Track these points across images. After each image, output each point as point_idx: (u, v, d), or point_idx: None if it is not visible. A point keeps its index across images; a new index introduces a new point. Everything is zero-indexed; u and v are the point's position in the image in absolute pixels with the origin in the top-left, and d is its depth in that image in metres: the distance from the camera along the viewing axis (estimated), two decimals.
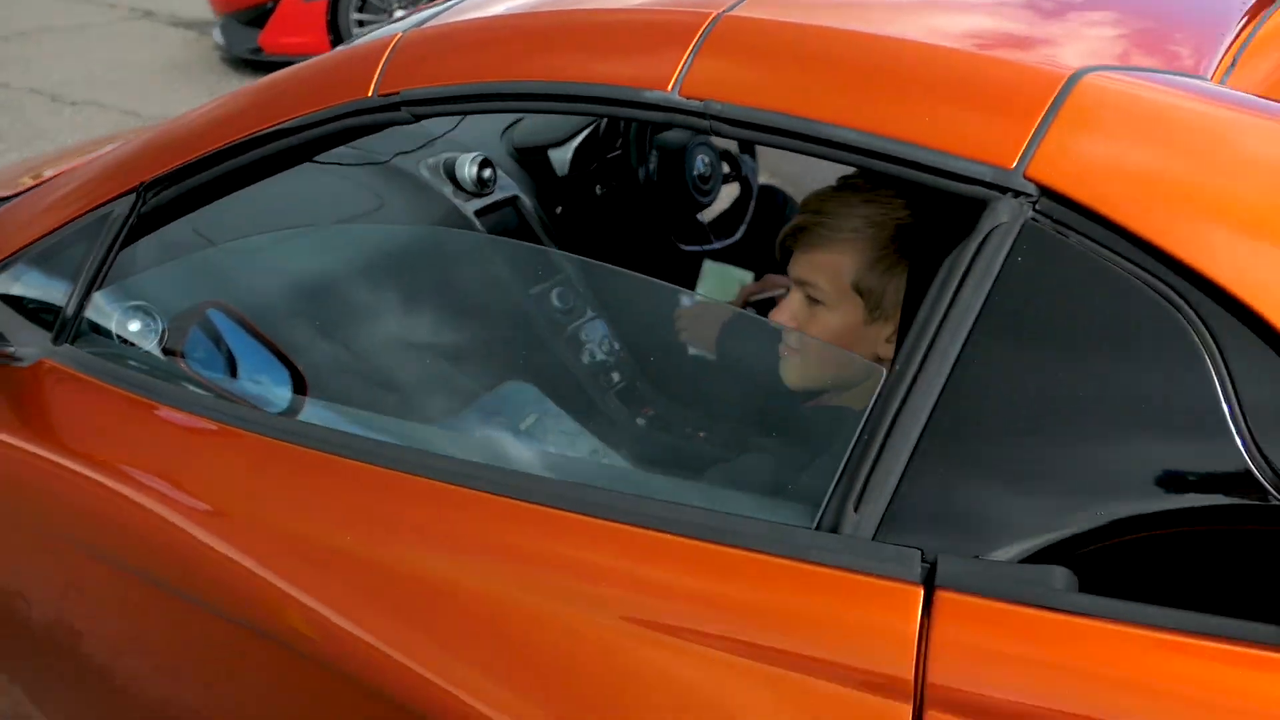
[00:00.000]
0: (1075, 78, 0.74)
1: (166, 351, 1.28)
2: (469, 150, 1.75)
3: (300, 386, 1.28)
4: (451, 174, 1.74)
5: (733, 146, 2.02)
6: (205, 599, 1.02)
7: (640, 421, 1.62)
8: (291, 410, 1.25)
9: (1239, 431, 0.65)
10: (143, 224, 1.21)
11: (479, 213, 1.77)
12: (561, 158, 1.89)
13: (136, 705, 1.21)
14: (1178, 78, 0.78)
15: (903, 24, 0.87)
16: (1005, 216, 0.72)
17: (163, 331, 1.30)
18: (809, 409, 1.08)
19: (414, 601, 0.85)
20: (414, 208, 1.70)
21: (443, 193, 1.75)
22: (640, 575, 0.78)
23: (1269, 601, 0.62)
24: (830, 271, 1.06)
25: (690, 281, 1.65)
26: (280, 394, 1.28)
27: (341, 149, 1.36)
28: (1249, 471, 0.64)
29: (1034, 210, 0.72)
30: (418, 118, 1.01)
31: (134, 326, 1.29)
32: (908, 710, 0.66)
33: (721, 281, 1.63)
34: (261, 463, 1.05)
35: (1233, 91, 0.79)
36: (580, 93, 0.90)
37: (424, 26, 1.04)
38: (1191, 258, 0.66)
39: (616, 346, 1.69)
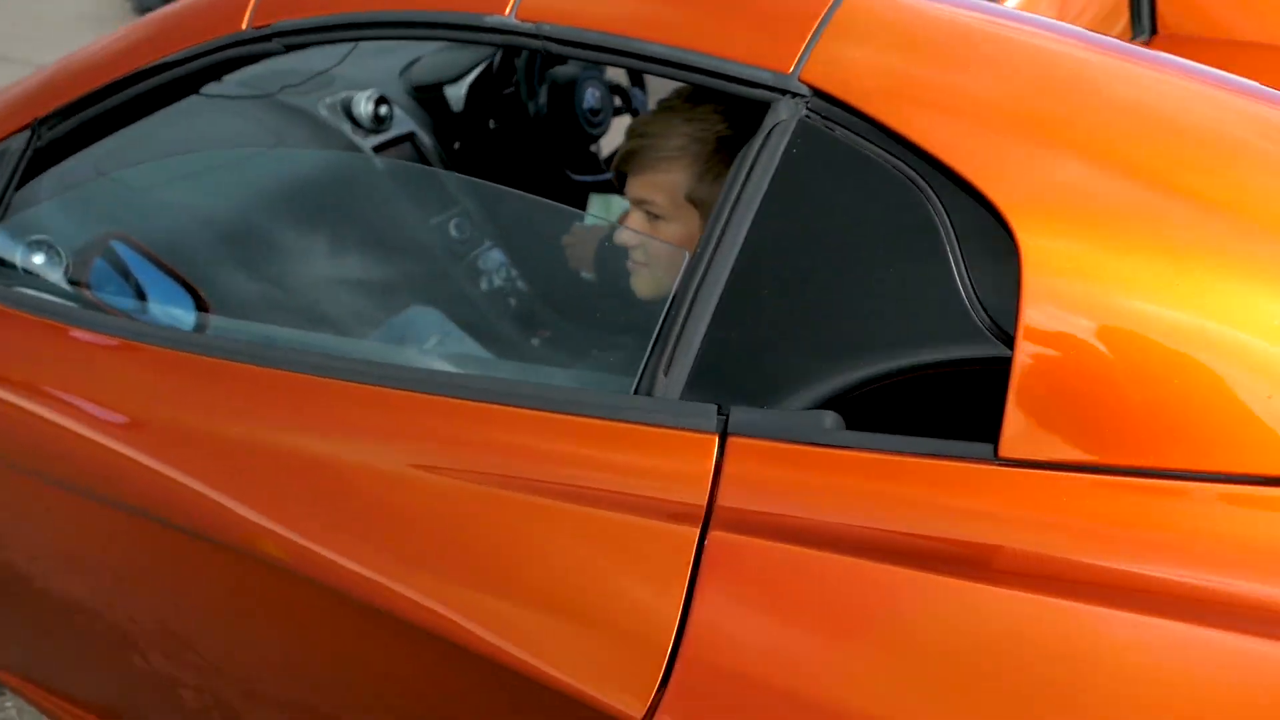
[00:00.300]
0: None
1: (72, 282, 1.36)
2: (367, 89, 1.84)
3: (202, 309, 1.37)
4: (349, 111, 1.82)
5: (624, 80, 2.12)
6: (122, 500, 1.11)
7: (535, 343, 1.72)
8: (196, 328, 1.34)
9: (965, 289, 0.77)
10: (39, 159, 1.28)
11: (376, 149, 1.85)
12: (456, 94, 1.97)
13: (60, 606, 1.31)
14: None
15: None
16: (784, 115, 0.84)
17: (67, 264, 1.38)
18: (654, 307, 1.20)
19: (284, 476, 0.96)
20: (312, 145, 1.78)
21: (341, 130, 1.82)
22: (485, 439, 0.89)
23: (987, 425, 0.75)
24: (664, 188, 1.17)
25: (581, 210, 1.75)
26: (182, 317, 1.37)
27: (239, 88, 1.44)
28: (974, 322, 0.77)
29: (807, 109, 0.84)
30: (289, 48, 1.10)
31: (38, 260, 1.37)
32: (696, 531, 0.78)
33: (606, 209, 1.74)
34: (165, 372, 1.14)
35: (987, 4, 0.91)
36: (430, 19, 1.00)
37: None
38: (929, 144, 0.79)
39: (514, 273, 1.79)
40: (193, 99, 1.35)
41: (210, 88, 1.30)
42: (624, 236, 1.23)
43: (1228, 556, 0.68)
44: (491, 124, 1.98)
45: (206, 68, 1.14)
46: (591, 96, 2.01)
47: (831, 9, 0.85)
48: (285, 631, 1.07)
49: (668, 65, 0.89)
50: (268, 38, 1.09)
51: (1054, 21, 0.85)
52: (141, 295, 1.38)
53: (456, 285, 1.76)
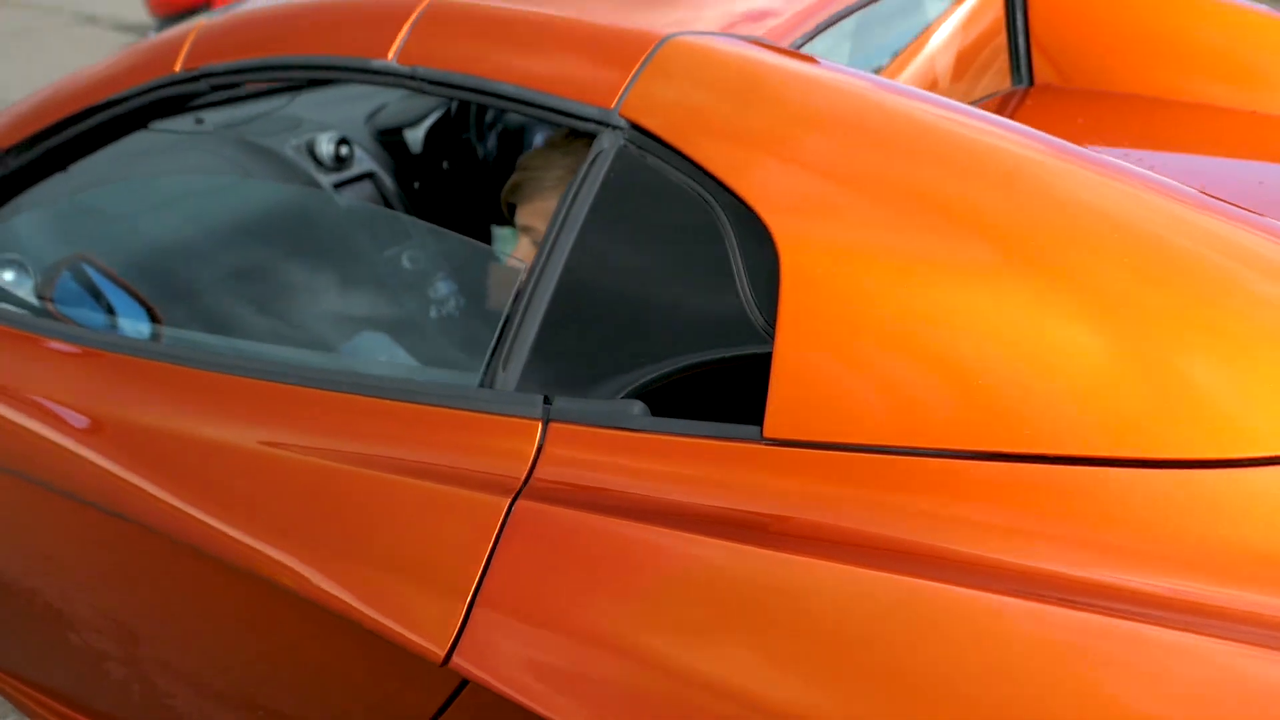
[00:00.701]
0: (665, 40, 0.99)
1: (39, 296, 1.51)
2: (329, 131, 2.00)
3: (155, 320, 1.52)
4: (312, 151, 1.98)
5: None
6: (76, 492, 1.24)
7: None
8: (148, 338, 1.48)
9: (744, 293, 0.90)
10: (4, 186, 1.44)
11: (338, 186, 2.01)
12: (415, 137, 2.13)
13: (31, 596, 1.43)
14: (744, 41, 1.03)
15: (556, 6, 1.12)
16: (606, 144, 0.97)
17: (35, 280, 1.53)
18: None
19: (198, 464, 1.09)
20: (274, 180, 1.94)
21: (304, 168, 1.98)
22: (343, 425, 1.02)
23: (757, 408, 0.86)
24: (544, 215, 1.30)
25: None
26: (136, 327, 1.51)
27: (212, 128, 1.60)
28: (751, 322, 0.89)
29: (625, 140, 0.97)
30: (214, 88, 1.25)
31: (8, 275, 1.52)
32: (508, 500, 0.90)
33: (506, 243, 1.89)
34: (120, 376, 1.27)
35: (786, 51, 1.05)
36: (327, 63, 1.15)
37: (219, 18, 1.27)
38: (715, 169, 0.91)
39: (462, 302, 1.93)
40: (166, 137, 1.51)
41: (164, 124, 1.46)
42: (510, 262, 1.36)
43: (942, 519, 0.78)
44: (445, 165, 2.14)
45: (145, 105, 1.30)
46: (541, 140, 2.16)
47: (652, 53, 0.98)
48: (197, 600, 1.19)
49: (515, 102, 1.03)
50: (196, 79, 1.24)
51: (843, 68, 0.98)
52: (103, 308, 1.53)
53: (407, 312, 1.89)
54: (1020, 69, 1.62)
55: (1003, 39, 1.62)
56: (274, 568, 0.99)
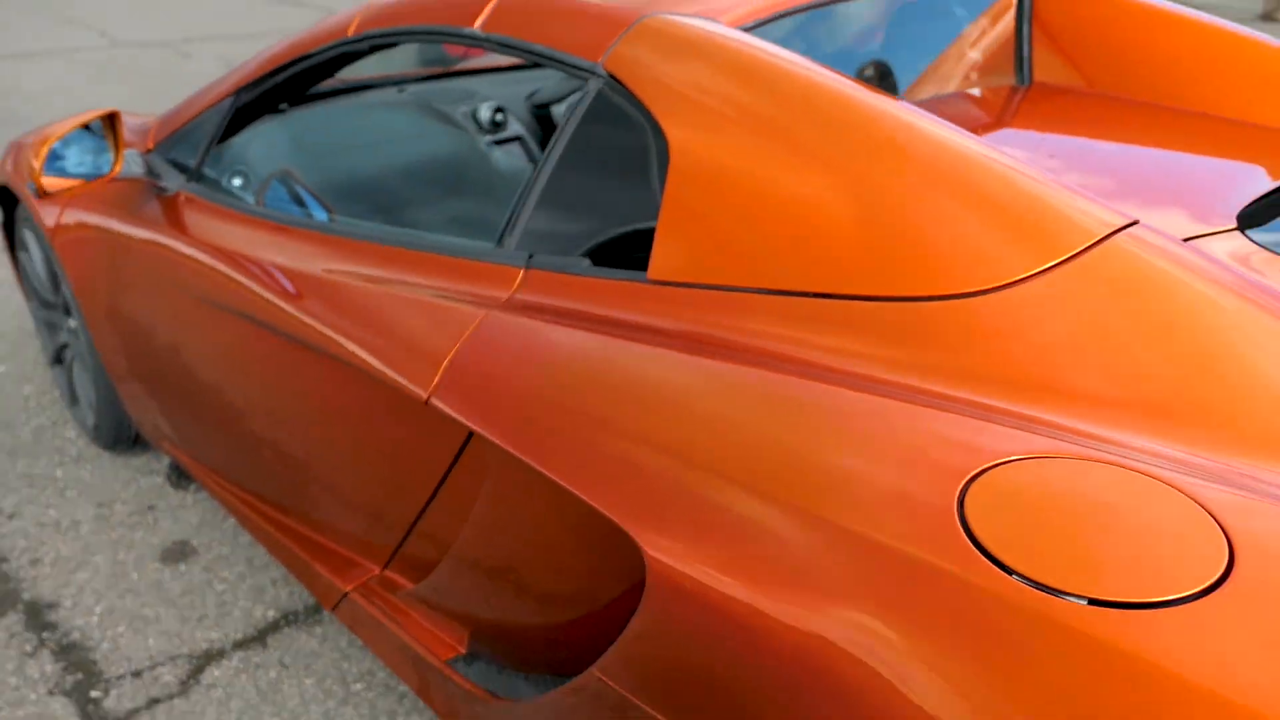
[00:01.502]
0: (642, 17, 1.42)
1: (255, 196, 2.11)
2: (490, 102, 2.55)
3: (329, 211, 2.09)
4: (475, 116, 2.53)
5: None
6: (253, 314, 1.79)
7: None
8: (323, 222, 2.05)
9: (654, 184, 1.31)
10: (239, 115, 2.04)
11: (492, 144, 2.55)
12: (559, 110, 2.64)
13: (228, 401, 2.01)
14: (698, 23, 1.43)
15: None
16: (591, 87, 1.41)
17: (254, 185, 2.13)
18: None
19: (339, 295, 1.61)
20: (440, 134, 2.50)
21: (467, 128, 2.53)
22: (412, 267, 1.51)
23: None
24: None
25: None
26: (316, 216, 2.08)
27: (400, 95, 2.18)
28: (657, 202, 1.31)
29: (604, 85, 1.40)
30: (372, 48, 1.79)
31: (236, 182, 2.13)
32: (493, 309, 1.36)
33: None
34: (301, 244, 1.82)
35: (729, 34, 1.44)
36: (435, 30, 1.65)
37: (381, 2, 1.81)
38: (650, 105, 1.33)
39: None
40: (371, 96, 2.10)
41: (373, 93, 2.04)
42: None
43: (768, 335, 1.16)
44: None
45: (327, 60, 1.85)
46: None
47: (630, 26, 1.42)
48: (322, 394, 1.72)
49: (523, 52, 1.49)
50: (360, 40, 1.78)
51: (765, 45, 1.37)
52: (295, 204, 2.11)
53: (483, 213, 2.38)
54: (1023, 68, 1.92)
55: (1011, 45, 1.93)
56: (334, 347, 1.50)
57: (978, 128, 1.63)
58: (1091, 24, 1.88)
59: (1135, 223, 1.06)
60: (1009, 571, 0.82)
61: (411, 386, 1.35)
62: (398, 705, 1.89)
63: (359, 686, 1.94)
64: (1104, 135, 1.64)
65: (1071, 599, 0.78)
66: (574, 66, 1.46)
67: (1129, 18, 1.85)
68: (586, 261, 1.36)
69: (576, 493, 1.12)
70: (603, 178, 1.40)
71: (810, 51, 1.59)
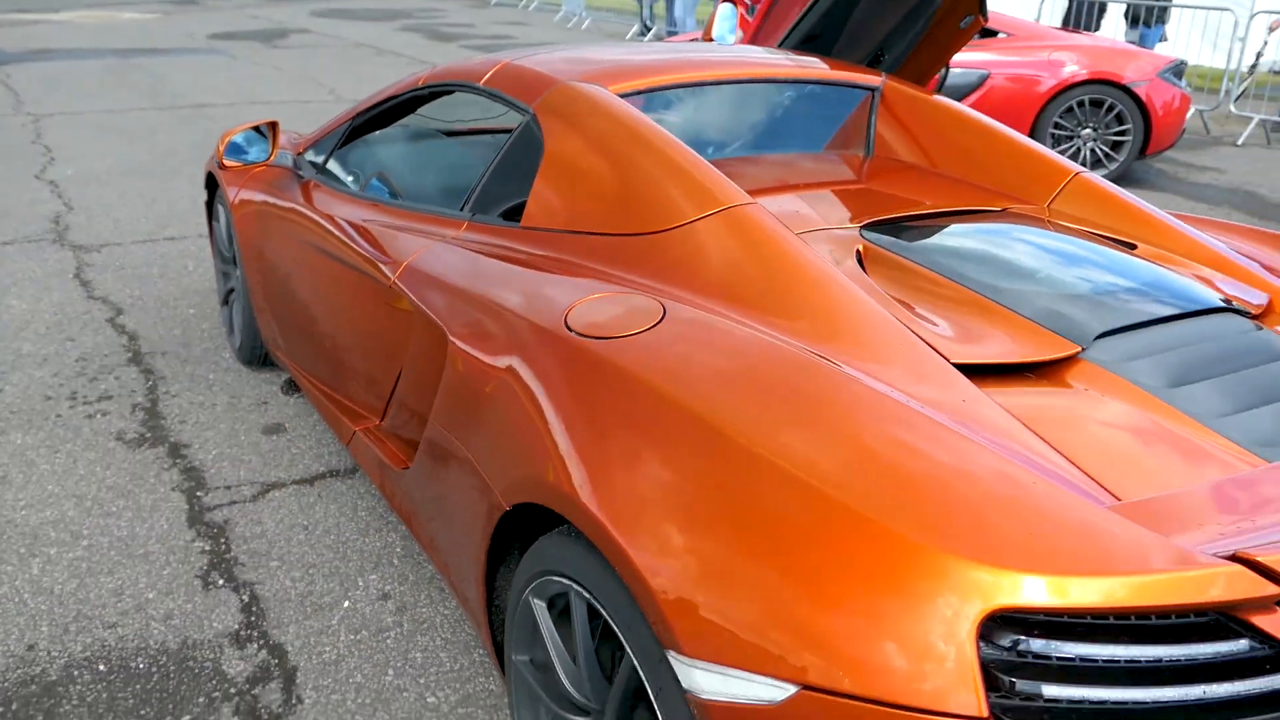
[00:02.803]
0: (558, 84, 2.34)
1: (360, 187, 3.14)
2: None
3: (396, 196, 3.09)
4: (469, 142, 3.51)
5: None
6: (335, 253, 2.78)
7: None
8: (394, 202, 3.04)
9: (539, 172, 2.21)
10: (352, 134, 3.09)
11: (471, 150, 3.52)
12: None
13: (306, 312, 3.01)
14: (597, 89, 2.33)
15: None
16: (524, 121, 2.34)
17: (360, 181, 3.16)
18: None
19: (376, 235, 2.58)
20: (453, 152, 3.48)
21: (466, 146, 3.51)
22: (410, 224, 2.46)
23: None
24: None
25: None
26: (393, 198, 3.08)
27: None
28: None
29: (529, 120, 2.32)
30: (431, 95, 2.78)
31: (349, 179, 3.17)
32: (443, 240, 2.28)
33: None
34: (380, 213, 2.80)
35: (614, 100, 2.34)
36: (449, 85, 2.63)
37: (440, 65, 2.79)
38: (545, 131, 2.24)
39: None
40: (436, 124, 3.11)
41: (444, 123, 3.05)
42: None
43: (581, 260, 2.04)
44: None
45: (403, 101, 2.86)
46: None
47: (552, 88, 2.34)
48: (369, 312, 2.67)
49: (499, 99, 2.43)
50: (423, 89, 2.78)
51: (625, 107, 2.26)
52: (385, 192, 3.12)
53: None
54: (869, 144, 2.72)
55: (863, 124, 2.74)
56: (380, 274, 2.45)
57: (800, 177, 2.45)
58: (915, 117, 2.67)
59: (753, 203, 1.87)
60: (581, 335, 1.65)
61: (388, 274, 2.29)
62: (385, 516, 2.79)
63: (364, 514, 2.85)
64: (860, 178, 2.43)
65: (592, 340, 1.62)
66: (520, 109, 2.38)
67: (935, 113, 2.63)
68: (498, 217, 2.27)
69: (455, 341, 2.00)
70: (514, 173, 2.31)
71: (692, 116, 2.48)
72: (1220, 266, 2.01)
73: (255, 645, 2.32)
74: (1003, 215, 2.18)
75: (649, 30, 14.88)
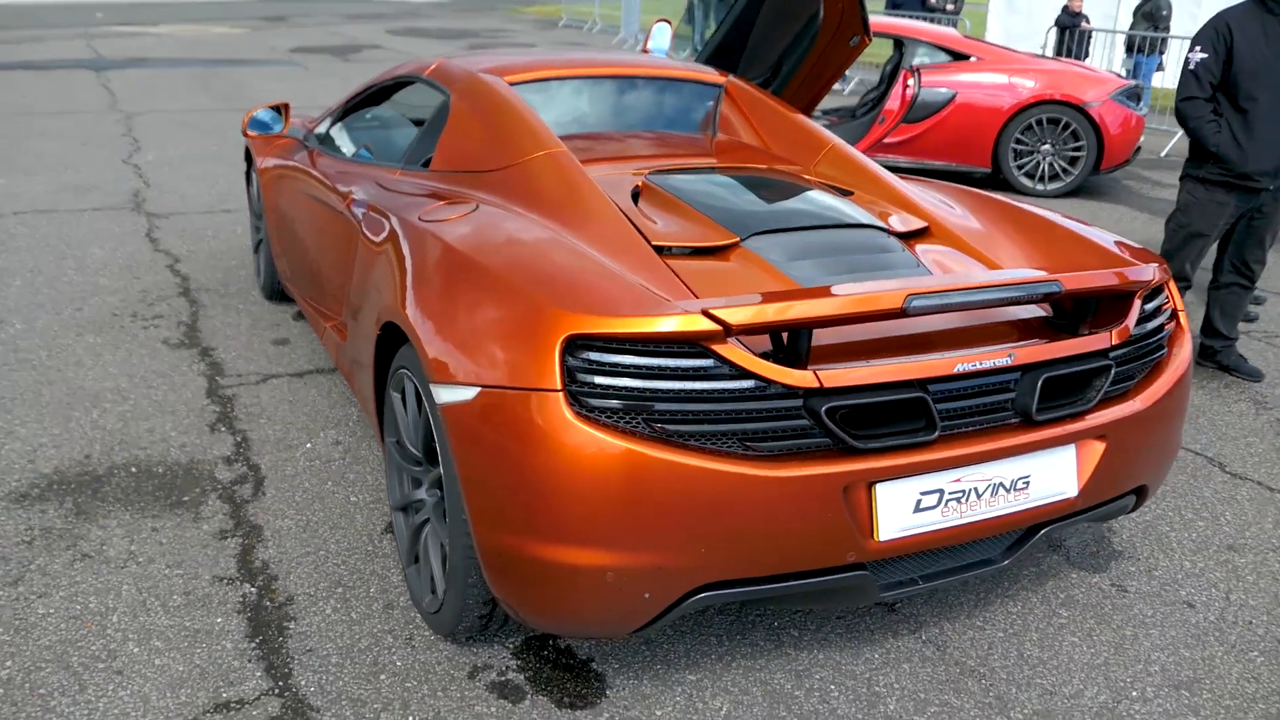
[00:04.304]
0: (473, 72, 3.27)
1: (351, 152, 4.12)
2: None
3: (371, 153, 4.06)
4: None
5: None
6: (324, 199, 3.74)
7: None
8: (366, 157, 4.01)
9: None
10: (346, 112, 4.07)
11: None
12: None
13: (303, 245, 3.99)
14: (492, 75, 3.25)
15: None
16: (444, 98, 3.27)
17: (346, 148, 4.14)
18: None
19: (357, 179, 3.56)
20: (409, 125, 4.44)
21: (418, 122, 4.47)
22: (378, 177, 3.43)
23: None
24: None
25: None
26: (367, 157, 4.05)
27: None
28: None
29: (447, 98, 3.26)
30: (398, 85, 3.75)
31: (339, 146, 4.15)
32: (379, 183, 3.23)
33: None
34: (352, 167, 3.77)
35: (503, 88, 3.26)
36: (408, 76, 3.58)
37: (429, 59, 3.75)
38: (451, 95, 3.18)
39: None
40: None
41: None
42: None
43: (457, 185, 2.97)
44: None
45: (382, 89, 3.83)
46: None
47: (467, 77, 3.27)
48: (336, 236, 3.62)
49: (427, 84, 3.37)
50: (392, 80, 3.74)
51: (510, 92, 3.18)
52: (366, 154, 4.09)
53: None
54: (713, 126, 3.60)
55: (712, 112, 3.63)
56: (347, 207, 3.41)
57: (639, 144, 3.34)
58: (750, 108, 3.55)
59: (563, 150, 2.77)
60: (422, 221, 2.58)
61: (341, 206, 3.24)
62: (350, 397, 3.74)
63: (335, 395, 3.81)
64: (684, 147, 3.31)
65: (426, 223, 2.54)
66: (444, 92, 3.32)
67: (761, 105, 3.51)
68: (420, 165, 3.21)
69: (362, 235, 2.94)
70: (432, 136, 3.24)
71: (574, 101, 3.41)
72: (905, 207, 2.85)
73: (240, 464, 3.28)
74: (763, 171, 3.05)
75: (699, 53, 15.84)
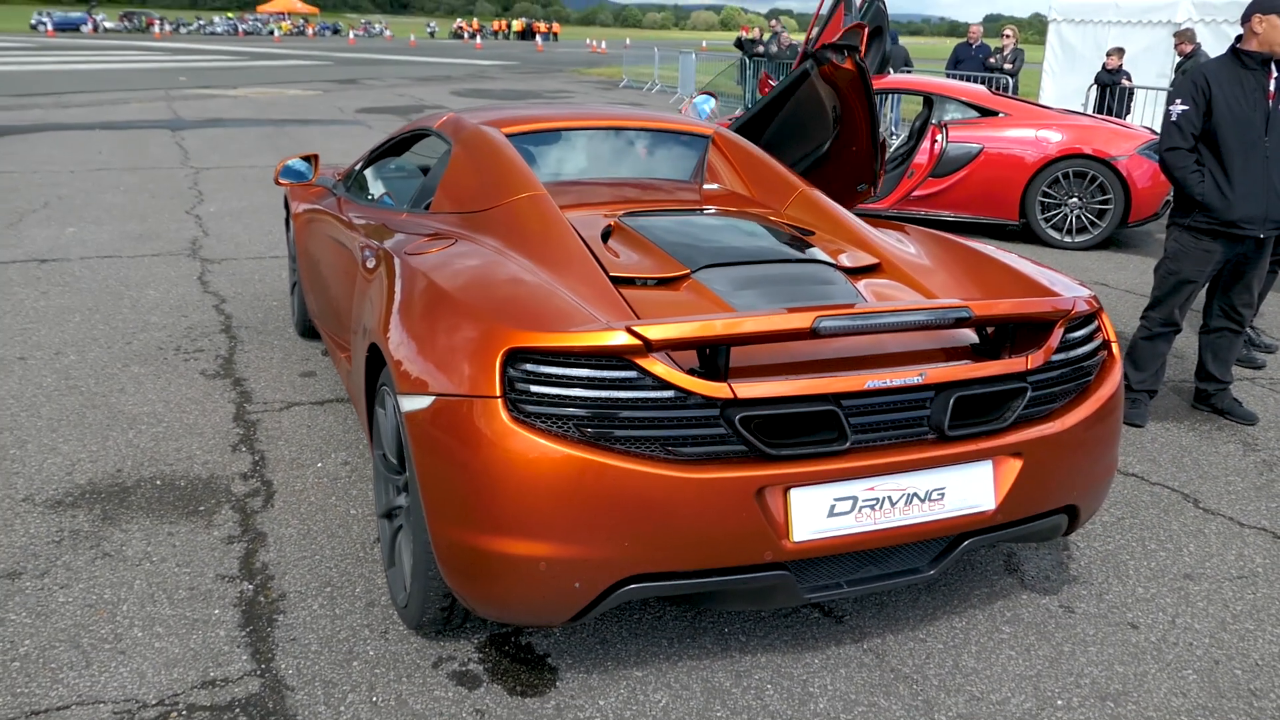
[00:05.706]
0: (481, 124, 3.58)
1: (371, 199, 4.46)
2: None
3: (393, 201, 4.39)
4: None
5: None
6: (346, 243, 4.07)
7: None
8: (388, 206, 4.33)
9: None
10: (370, 161, 4.41)
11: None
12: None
13: (326, 281, 4.31)
14: (489, 127, 3.54)
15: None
16: (449, 147, 3.58)
17: (374, 195, 4.48)
18: None
19: (366, 215, 3.88)
20: (420, 176, 4.75)
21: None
22: (382, 220, 3.74)
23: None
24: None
25: None
26: (389, 203, 4.38)
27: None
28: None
29: (452, 147, 3.57)
30: (416, 137, 4.08)
31: (361, 192, 4.49)
32: (391, 224, 3.54)
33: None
34: (372, 211, 4.09)
35: (500, 138, 3.56)
36: (418, 130, 3.90)
37: (440, 113, 4.07)
38: (452, 141, 3.49)
39: None
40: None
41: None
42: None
43: (467, 231, 3.26)
44: None
45: (402, 140, 4.16)
46: None
47: (471, 128, 3.58)
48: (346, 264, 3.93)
49: (437, 136, 3.68)
50: (409, 133, 4.07)
51: (504, 141, 3.47)
52: (389, 201, 4.42)
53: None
54: (703, 172, 3.85)
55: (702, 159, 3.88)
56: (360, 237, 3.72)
57: (623, 190, 3.60)
58: (736, 157, 3.80)
59: (542, 194, 3.03)
60: (407, 255, 2.86)
61: (354, 245, 3.55)
62: (357, 426, 4.01)
63: (350, 422, 4.09)
64: (666, 191, 3.56)
65: (409, 257, 2.81)
66: (448, 142, 3.63)
67: (745, 154, 3.76)
68: (423, 208, 3.51)
69: (361, 269, 3.23)
70: (435, 182, 3.54)
71: (571, 152, 3.69)
72: (860, 245, 3.05)
73: (254, 480, 3.57)
74: (731, 213, 3.29)
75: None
